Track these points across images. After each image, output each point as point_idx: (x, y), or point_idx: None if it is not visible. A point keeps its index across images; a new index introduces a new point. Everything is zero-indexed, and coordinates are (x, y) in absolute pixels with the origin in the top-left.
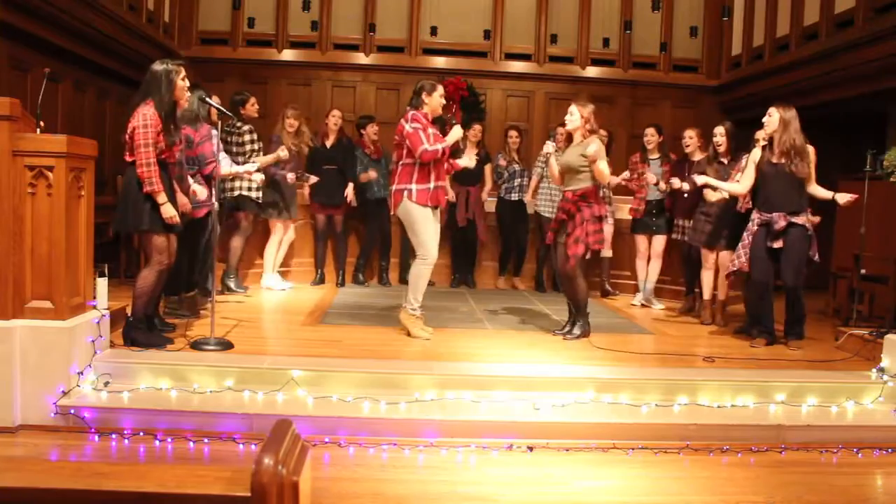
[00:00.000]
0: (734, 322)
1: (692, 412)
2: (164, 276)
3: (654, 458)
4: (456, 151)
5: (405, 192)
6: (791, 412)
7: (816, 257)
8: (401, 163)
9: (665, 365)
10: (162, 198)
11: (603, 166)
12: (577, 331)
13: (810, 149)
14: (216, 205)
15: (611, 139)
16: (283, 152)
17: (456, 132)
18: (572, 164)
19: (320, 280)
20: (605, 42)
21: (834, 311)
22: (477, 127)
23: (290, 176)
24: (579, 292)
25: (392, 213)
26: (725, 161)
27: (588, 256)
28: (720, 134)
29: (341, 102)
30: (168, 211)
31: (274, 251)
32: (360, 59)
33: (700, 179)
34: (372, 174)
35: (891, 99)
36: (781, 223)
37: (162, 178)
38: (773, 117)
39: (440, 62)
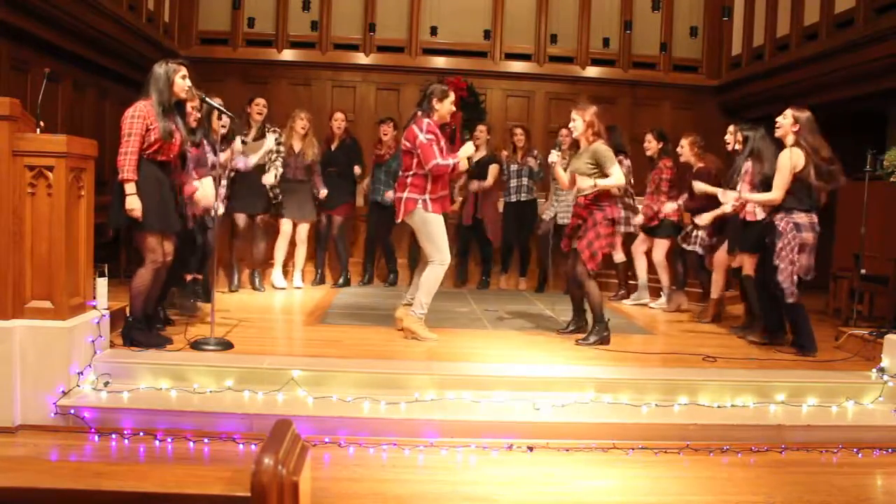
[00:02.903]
0: (732, 321)
1: (692, 412)
2: (162, 274)
3: (654, 458)
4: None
5: (420, 202)
6: (791, 412)
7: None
8: (412, 172)
9: (665, 365)
10: (130, 188)
11: (611, 180)
12: (592, 338)
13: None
14: (219, 206)
15: (619, 142)
16: (268, 177)
17: (468, 148)
18: (581, 171)
19: (320, 280)
20: (605, 42)
21: (834, 312)
22: (482, 127)
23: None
24: (591, 297)
25: (398, 219)
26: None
27: (601, 259)
28: (729, 132)
29: (341, 102)
30: (131, 203)
31: (282, 251)
32: (360, 59)
33: (699, 187)
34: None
35: (891, 99)
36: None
37: (152, 175)
38: (787, 119)
39: (440, 62)
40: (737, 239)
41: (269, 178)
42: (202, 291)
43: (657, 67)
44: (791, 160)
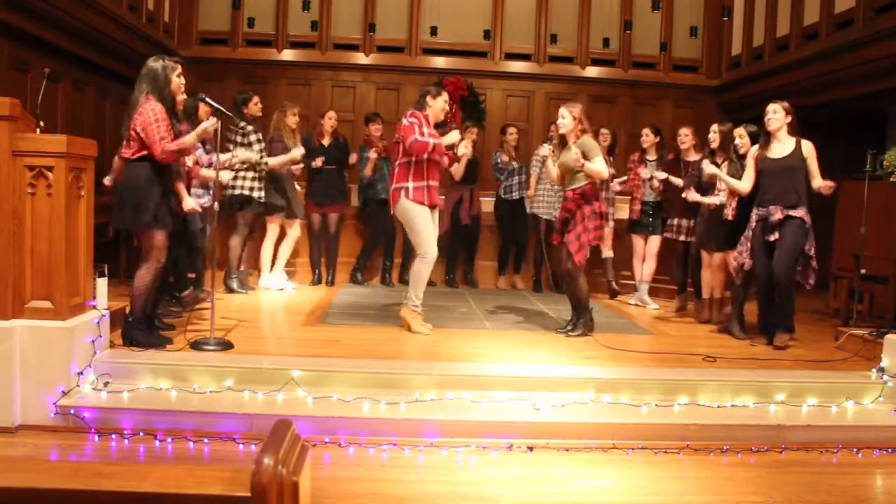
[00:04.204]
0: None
1: (692, 412)
2: (161, 275)
3: (654, 458)
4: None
5: (402, 191)
6: (791, 412)
7: (812, 252)
8: (398, 162)
9: (665, 365)
10: (187, 192)
11: (595, 166)
12: (578, 329)
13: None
14: (216, 205)
15: (615, 139)
16: (297, 151)
17: (453, 135)
18: (569, 165)
19: (318, 280)
20: (605, 42)
21: (834, 312)
22: (473, 129)
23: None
24: (579, 289)
25: (392, 212)
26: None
27: (587, 251)
28: (739, 136)
29: (341, 102)
30: (189, 203)
31: (270, 251)
32: (360, 59)
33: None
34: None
35: (891, 99)
36: (778, 215)
37: (160, 173)
38: (777, 114)
39: (440, 62)
40: (713, 236)
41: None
42: (194, 287)
43: (657, 67)
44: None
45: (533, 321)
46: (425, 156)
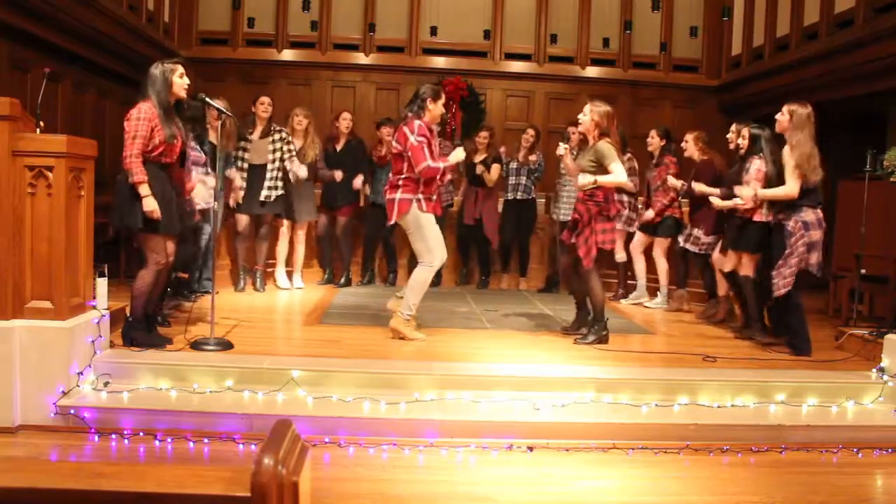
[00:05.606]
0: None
1: (692, 412)
2: (163, 276)
3: (654, 458)
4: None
5: (414, 202)
6: (791, 412)
7: (781, 261)
8: (404, 175)
9: (665, 365)
10: (145, 189)
11: (609, 177)
12: (591, 337)
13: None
14: (216, 206)
15: (625, 140)
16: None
17: (458, 154)
18: (584, 168)
19: (329, 280)
20: (605, 42)
21: (834, 312)
22: (484, 133)
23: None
24: (595, 295)
25: (391, 221)
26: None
27: (595, 254)
28: (732, 131)
29: (341, 102)
30: (149, 204)
31: (284, 251)
32: (360, 59)
33: (699, 188)
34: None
35: (891, 99)
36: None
37: (156, 177)
38: (783, 116)
39: (440, 62)
40: (736, 238)
41: (303, 171)
42: (186, 290)
43: (657, 67)
44: (787, 155)
45: (533, 321)
46: None
